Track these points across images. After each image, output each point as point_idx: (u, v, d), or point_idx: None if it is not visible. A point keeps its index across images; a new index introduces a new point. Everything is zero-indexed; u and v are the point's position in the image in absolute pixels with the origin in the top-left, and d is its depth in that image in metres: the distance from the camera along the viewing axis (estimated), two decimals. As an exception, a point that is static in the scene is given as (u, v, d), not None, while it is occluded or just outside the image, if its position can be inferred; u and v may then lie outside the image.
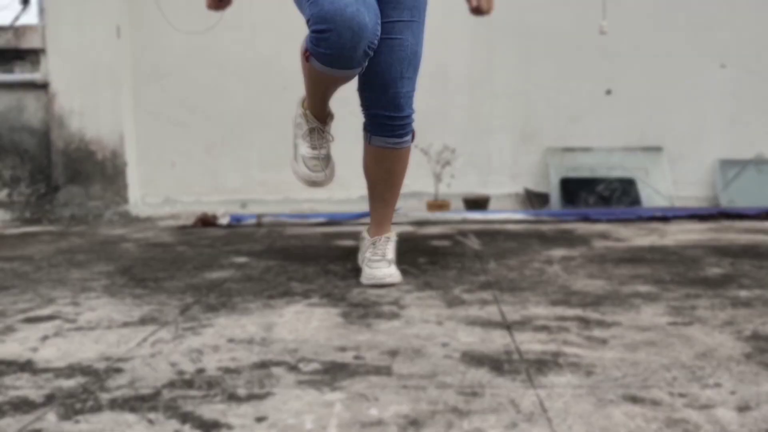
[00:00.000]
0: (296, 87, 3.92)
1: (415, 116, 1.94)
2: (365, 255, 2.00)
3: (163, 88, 3.89)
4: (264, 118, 3.91)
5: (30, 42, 3.66)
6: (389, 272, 1.92)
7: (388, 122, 1.89)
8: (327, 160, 1.96)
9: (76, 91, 3.66)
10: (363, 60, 1.70)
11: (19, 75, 3.68)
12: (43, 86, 3.67)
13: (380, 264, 1.94)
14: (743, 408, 1.04)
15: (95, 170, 3.71)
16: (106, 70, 3.69)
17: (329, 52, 1.66)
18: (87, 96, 3.67)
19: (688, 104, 3.87)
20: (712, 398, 1.08)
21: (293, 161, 1.97)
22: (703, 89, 3.86)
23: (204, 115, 3.90)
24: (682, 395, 1.09)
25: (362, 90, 1.90)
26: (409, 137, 1.95)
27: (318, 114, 1.93)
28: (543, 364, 1.25)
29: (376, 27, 1.68)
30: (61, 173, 3.70)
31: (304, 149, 1.93)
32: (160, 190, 3.93)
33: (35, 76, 3.67)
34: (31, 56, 3.68)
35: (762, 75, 3.85)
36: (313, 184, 1.94)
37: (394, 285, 1.90)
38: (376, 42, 1.69)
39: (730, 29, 3.83)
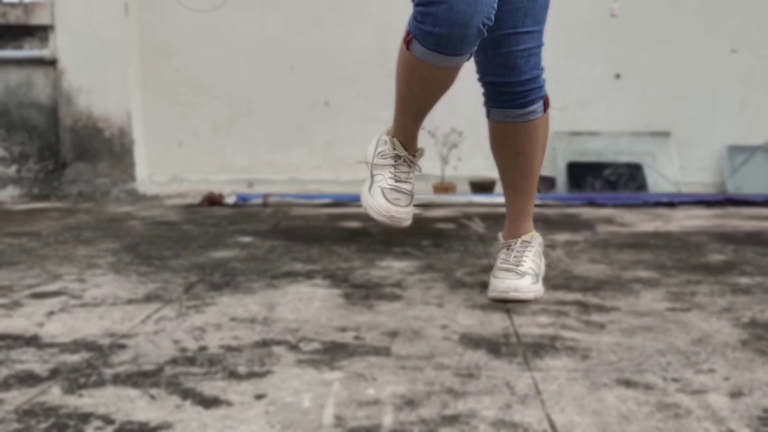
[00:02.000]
0: (304, 66, 3.94)
1: (544, 77, 1.58)
2: (495, 261, 1.67)
3: (171, 66, 3.90)
4: (272, 97, 3.91)
5: (39, 18, 3.66)
6: (515, 285, 1.56)
7: (504, 89, 1.55)
8: (410, 197, 1.61)
9: (84, 68, 3.67)
10: (476, 39, 1.40)
11: (28, 51, 3.69)
12: (51, 63, 3.69)
13: (507, 274, 1.59)
14: (736, 394, 1.05)
15: (103, 148, 3.73)
16: (114, 47, 3.69)
17: (436, 30, 1.37)
18: (95, 73, 3.68)
19: (698, 89, 3.84)
20: (705, 384, 1.09)
21: (366, 194, 1.60)
22: (713, 74, 3.83)
23: (212, 94, 3.91)
24: (675, 380, 1.10)
25: (475, 52, 1.54)
26: (536, 107, 1.56)
27: (407, 141, 1.62)
28: (540, 348, 1.26)
29: (491, 2, 1.39)
30: (69, 150, 3.72)
31: (386, 180, 1.58)
32: (167, 168, 3.95)
33: (44, 52, 3.68)
34: (40, 33, 3.69)
35: (773, 60, 3.82)
36: (392, 219, 1.55)
37: (524, 301, 1.56)
38: (492, 16, 1.39)
39: (741, 14, 3.79)
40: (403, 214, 1.55)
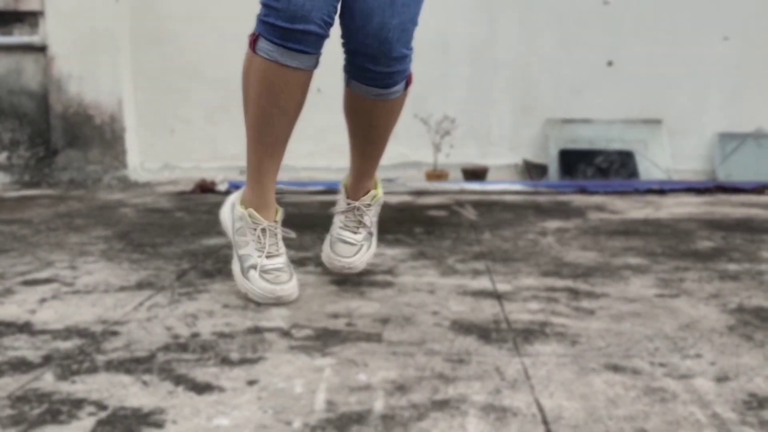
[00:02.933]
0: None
1: (411, 59, 1.47)
2: (333, 225, 1.65)
3: (162, 52, 3.87)
4: (263, 84, 3.89)
5: (29, 4, 3.63)
6: (349, 262, 1.58)
7: (369, 65, 1.43)
8: (289, 268, 1.51)
9: (74, 55, 3.65)
10: (319, 37, 1.38)
11: (18, 38, 3.66)
12: (41, 49, 3.66)
13: (344, 248, 1.59)
14: (722, 378, 1.06)
15: (94, 135, 3.71)
16: (104, 33, 3.67)
17: (278, 23, 1.36)
18: (85, 60, 3.66)
19: (690, 77, 3.85)
20: (691, 368, 1.10)
21: (240, 277, 1.50)
22: (705, 62, 3.84)
23: (203, 81, 3.89)
24: (662, 365, 1.12)
25: (342, 16, 1.43)
26: (398, 87, 1.49)
27: (263, 204, 1.52)
28: (530, 334, 1.28)
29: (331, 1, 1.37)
30: (60, 137, 3.70)
31: (257, 259, 1.47)
32: (159, 155, 3.94)
33: (34, 38, 3.65)
34: (29, 18, 3.66)
35: (765, 48, 3.82)
36: (279, 300, 1.45)
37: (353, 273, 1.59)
38: (333, 15, 1.38)
39: (733, 1, 3.80)
40: (289, 290, 1.45)
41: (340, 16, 1.43)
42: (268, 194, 1.54)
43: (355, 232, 1.62)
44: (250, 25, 4.20)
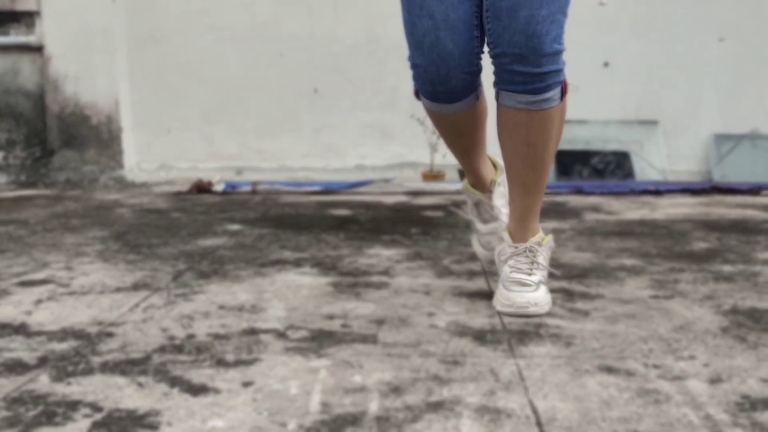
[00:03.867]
0: (293, 53, 3.93)
1: (563, 60, 1.36)
2: (503, 268, 1.46)
3: (159, 53, 3.87)
4: (261, 84, 3.90)
5: (25, 4, 3.63)
6: (534, 298, 1.39)
7: (518, 67, 1.32)
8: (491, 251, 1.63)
9: (71, 55, 3.65)
10: (465, 88, 1.42)
11: (14, 38, 3.66)
12: (38, 49, 3.66)
13: (522, 287, 1.41)
14: (715, 380, 1.07)
15: (90, 135, 3.71)
16: (101, 33, 3.67)
17: (425, 87, 1.43)
18: (82, 60, 3.65)
19: (686, 78, 3.86)
20: (685, 370, 1.11)
21: (473, 240, 1.73)
22: (701, 63, 3.85)
23: (200, 81, 3.89)
24: (656, 366, 1.12)
25: (487, 19, 1.35)
26: (553, 93, 1.35)
27: (477, 181, 1.65)
28: (525, 335, 1.28)
29: (468, 49, 1.37)
30: (56, 137, 3.70)
31: (476, 225, 1.69)
32: (155, 155, 3.93)
33: (30, 38, 3.65)
34: (26, 18, 3.66)
35: (760, 49, 3.84)
36: (491, 264, 1.63)
37: (540, 315, 1.39)
38: (475, 65, 1.40)
39: (729, 2, 3.81)
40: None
41: (486, 21, 1.36)
42: (478, 176, 1.65)
43: (530, 274, 1.43)
44: (247, 24, 4.23)
